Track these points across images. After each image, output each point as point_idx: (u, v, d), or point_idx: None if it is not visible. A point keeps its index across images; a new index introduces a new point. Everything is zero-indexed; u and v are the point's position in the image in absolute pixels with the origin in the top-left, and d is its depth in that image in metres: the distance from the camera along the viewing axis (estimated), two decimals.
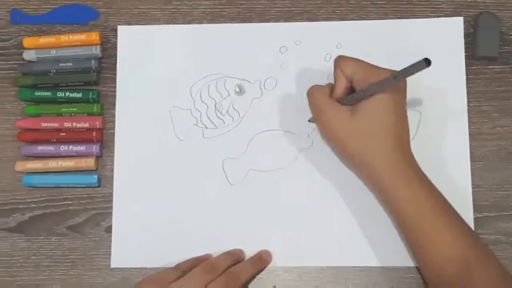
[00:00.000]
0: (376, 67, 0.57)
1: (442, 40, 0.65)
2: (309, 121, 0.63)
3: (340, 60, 0.58)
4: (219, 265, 0.59)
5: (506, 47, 0.65)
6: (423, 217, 0.55)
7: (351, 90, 0.58)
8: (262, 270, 0.62)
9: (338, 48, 0.65)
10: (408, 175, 0.56)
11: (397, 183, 0.56)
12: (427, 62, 0.50)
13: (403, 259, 0.62)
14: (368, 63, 0.58)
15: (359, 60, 0.58)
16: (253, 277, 0.62)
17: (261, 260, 0.62)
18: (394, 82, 0.54)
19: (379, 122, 0.56)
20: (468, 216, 0.62)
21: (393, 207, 0.57)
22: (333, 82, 0.59)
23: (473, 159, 0.63)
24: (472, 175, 0.63)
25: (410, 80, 0.64)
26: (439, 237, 0.55)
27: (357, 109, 0.56)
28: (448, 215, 0.56)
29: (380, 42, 0.65)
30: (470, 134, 0.64)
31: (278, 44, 0.66)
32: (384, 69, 0.57)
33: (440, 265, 0.55)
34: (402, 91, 0.57)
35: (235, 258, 0.61)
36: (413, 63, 0.51)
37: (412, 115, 0.63)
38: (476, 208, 0.63)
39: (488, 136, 0.64)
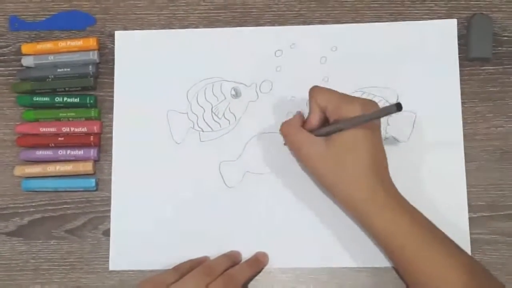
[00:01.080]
0: (349, 98, 0.58)
1: (436, 42, 0.65)
2: (284, 144, 0.63)
3: (314, 91, 0.59)
4: (217, 267, 0.59)
5: (499, 48, 0.66)
6: (403, 244, 0.55)
7: (325, 120, 0.59)
8: (259, 271, 0.63)
9: (334, 51, 0.66)
10: (391, 206, 0.56)
11: (379, 215, 0.56)
12: (398, 107, 0.51)
13: None
14: (342, 94, 0.58)
15: (333, 91, 0.59)
16: (251, 278, 0.62)
17: (258, 262, 0.62)
18: (366, 120, 0.55)
19: (354, 152, 0.56)
20: (463, 216, 0.62)
21: (373, 233, 0.58)
22: (307, 108, 0.60)
23: (467, 159, 0.64)
24: (467, 175, 0.63)
25: (405, 81, 0.65)
26: (423, 263, 0.55)
27: (332, 140, 0.56)
28: (434, 239, 0.56)
29: (375, 45, 0.66)
30: (465, 135, 0.64)
31: (274, 47, 0.66)
32: (358, 99, 0.57)
33: None
34: (376, 125, 0.58)
35: (232, 260, 0.61)
36: (385, 106, 0.53)
37: (406, 116, 0.64)
38: (471, 208, 0.63)
39: (483, 137, 0.64)
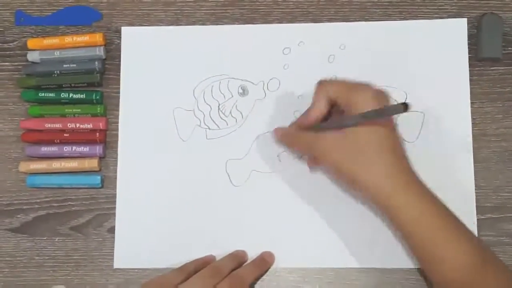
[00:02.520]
0: (360, 85, 0.56)
1: (445, 41, 0.65)
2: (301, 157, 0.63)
3: (324, 83, 0.58)
4: (223, 268, 0.59)
5: (509, 48, 0.65)
6: (425, 227, 0.55)
7: (325, 115, 0.58)
8: (266, 272, 0.62)
9: (342, 49, 0.65)
10: (414, 190, 0.55)
11: (402, 199, 0.54)
12: (405, 107, 0.50)
13: (405, 261, 0.62)
14: (352, 83, 0.57)
15: (342, 80, 0.58)
16: (257, 279, 0.62)
17: (264, 262, 0.62)
18: (371, 118, 0.54)
19: (370, 135, 0.55)
20: (471, 217, 0.62)
21: (395, 219, 0.56)
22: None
23: (476, 160, 0.63)
24: (475, 176, 0.63)
25: (414, 81, 0.64)
26: (445, 246, 0.54)
27: (347, 133, 0.55)
28: (452, 223, 0.55)
29: (384, 44, 0.65)
30: (473, 136, 0.63)
31: (282, 45, 0.66)
32: (369, 88, 0.56)
33: (448, 273, 0.54)
34: (391, 119, 0.57)
35: (238, 260, 0.61)
36: (393, 104, 0.54)
37: (415, 116, 0.64)
38: (479, 209, 0.62)
39: (492, 138, 0.64)
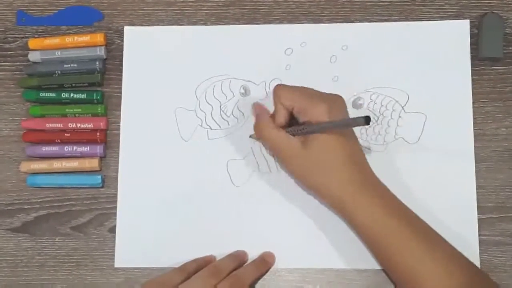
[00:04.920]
0: (314, 98, 0.58)
1: (448, 42, 0.65)
2: (250, 136, 0.64)
3: (278, 90, 0.59)
4: (224, 268, 0.59)
5: (510, 48, 0.65)
6: (390, 239, 0.55)
7: (291, 117, 0.59)
8: (266, 272, 0.62)
9: (344, 50, 0.65)
10: (369, 198, 0.56)
11: (358, 207, 0.56)
12: (366, 121, 0.51)
13: None
14: (307, 93, 0.58)
15: (297, 89, 0.59)
16: (258, 279, 0.62)
17: (265, 263, 0.62)
18: (334, 127, 0.55)
19: (330, 147, 0.56)
20: (472, 217, 0.62)
21: (360, 233, 0.58)
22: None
23: (476, 160, 0.63)
24: (476, 176, 0.63)
25: (415, 82, 0.64)
26: (408, 259, 0.55)
27: (307, 141, 0.57)
28: (418, 234, 0.56)
29: (386, 44, 0.65)
30: (474, 135, 0.64)
31: (284, 45, 0.66)
32: (323, 99, 0.57)
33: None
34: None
35: (239, 260, 0.61)
36: (355, 117, 0.54)
37: (417, 117, 0.64)
38: (480, 209, 0.62)
39: (492, 137, 0.64)
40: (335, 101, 0.58)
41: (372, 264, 0.62)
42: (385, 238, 0.55)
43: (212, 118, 0.65)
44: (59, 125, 0.65)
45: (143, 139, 0.65)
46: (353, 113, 0.64)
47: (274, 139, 0.58)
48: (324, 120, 0.56)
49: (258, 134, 0.61)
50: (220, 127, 0.65)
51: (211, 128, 0.65)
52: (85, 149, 0.65)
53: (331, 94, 0.59)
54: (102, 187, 0.65)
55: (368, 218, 0.56)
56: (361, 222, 0.56)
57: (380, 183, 0.58)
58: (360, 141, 0.63)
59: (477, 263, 0.61)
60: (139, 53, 0.66)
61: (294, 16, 0.66)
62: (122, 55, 0.66)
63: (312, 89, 0.59)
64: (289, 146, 0.57)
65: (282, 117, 0.59)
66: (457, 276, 0.54)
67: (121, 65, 0.66)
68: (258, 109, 0.63)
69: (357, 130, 0.64)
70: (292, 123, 0.59)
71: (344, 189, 0.56)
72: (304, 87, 0.59)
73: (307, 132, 0.57)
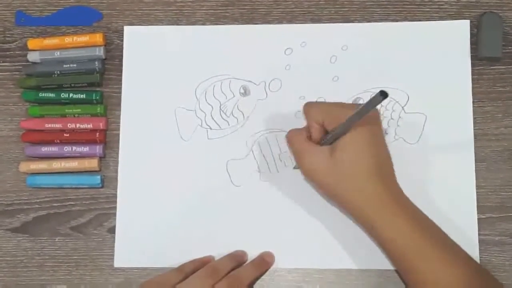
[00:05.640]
0: (341, 104, 0.59)
1: (448, 43, 0.65)
2: (294, 168, 0.63)
3: (308, 108, 0.59)
4: (222, 268, 0.59)
5: (509, 47, 0.65)
6: (411, 253, 0.55)
7: (325, 132, 0.58)
8: (265, 272, 0.62)
9: (344, 50, 0.65)
10: (393, 211, 0.55)
11: (382, 221, 0.55)
12: (382, 95, 0.49)
13: None
14: (334, 103, 0.59)
15: (325, 103, 0.60)
16: (256, 279, 0.62)
17: (264, 263, 0.62)
18: (359, 117, 0.53)
19: (357, 158, 0.55)
20: (472, 217, 0.62)
21: (381, 244, 0.57)
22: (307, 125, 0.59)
23: (476, 160, 0.63)
24: (475, 176, 0.63)
25: (416, 82, 0.64)
26: (432, 273, 0.54)
27: (335, 148, 0.56)
28: (443, 247, 0.55)
29: (386, 44, 0.65)
30: (474, 135, 0.64)
31: (284, 45, 0.66)
32: (350, 104, 0.60)
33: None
34: (375, 122, 0.57)
35: (237, 260, 0.61)
36: (370, 98, 0.50)
37: (417, 117, 0.64)
38: (480, 209, 0.62)
39: (492, 137, 0.64)
40: (360, 104, 0.56)
41: (372, 264, 0.62)
42: (409, 252, 0.55)
43: (212, 118, 0.65)
44: (59, 125, 0.65)
45: (142, 139, 0.65)
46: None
47: (302, 148, 0.58)
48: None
49: (289, 141, 0.60)
50: (220, 127, 0.65)
51: (211, 128, 0.65)
52: (84, 149, 0.64)
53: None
54: (102, 187, 0.65)
55: (392, 233, 0.55)
56: (385, 237, 0.56)
57: (403, 195, 0.57)
58: None
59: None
60: (138, 52, 0.66)
61: (293, 16, 0.66)
62: (121, 55, 0.66)
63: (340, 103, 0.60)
64: (317, 156, 0.57)
65: (316, 132, 0.58)
66: (467, 280, 0.54)
67: (121, 65, 0.66)
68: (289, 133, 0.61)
69: None
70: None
71: (368, 202, 0.55)
72: (332, 102, 0.60)
73: (335, 136, 0.56)
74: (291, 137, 0.60)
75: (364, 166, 0.55)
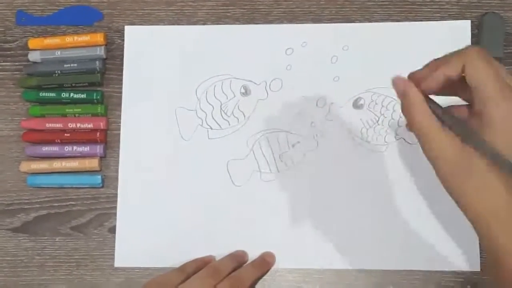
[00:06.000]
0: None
1: (449, 43, 0.64)
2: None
3: (470, 52, 0.44)
4: (223, 268, 0.59)
5: (511, 48, 0.65)
6: None
7: (449, 85, 0.45)
8: (266, 272, 0.62)
9: (345, 50, 0.65)
10: None
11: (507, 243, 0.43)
12: None
13: (406, 262, 0.62)
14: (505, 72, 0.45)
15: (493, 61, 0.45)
16: (258, 279, 0.62)
17: (265, 263, 0.62)
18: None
19: (495, 177, 0.43)
20: None
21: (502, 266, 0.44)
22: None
23: None
24: None
25: None
26: None
27: (471, 156, 0.43)
28: None
29: (387, 45, 0.65)
30: None
31: (284, 45, 0.65)
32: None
33: None
34: None
35: (238, 260, 0.61)
36: None
37: None
38: None
39: None
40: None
41: (372, 264, 0.62)
42: None
43: (213, 118, 0.65)
44: (59, 125, 0.65)
45: (143, 139, 0.65)
46: (353, 113, 0.64)
47: (425, 130, 0.44)
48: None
49: (408, 115, 0.45)
50: (220, 127, 0.65)
51: (211, 128, 0.65)
52: (85, 149, 0.64)
53: None
54: (102, 187, 0.65)
55: None
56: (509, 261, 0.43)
57: None
58: (360, 141, 0.64)
59: (477, 263, 0.61)
60: (139, 52, 0.66)
61: (294, 16, 0.66)
62: (122, 55, 0.66)
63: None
64: (444, 150, 0.44)
65: (435, 81, 0.44)
66: None
67: (121, 65, 0.66)
68: (407, 84, 0.46)
69: (357, 129, 0.64)
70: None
71: (497, 214, 0.43)
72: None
73: (469, 138, 0.43)
74: (409, 109, 0.45)
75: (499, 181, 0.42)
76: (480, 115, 0.43)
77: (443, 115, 0.44)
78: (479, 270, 0.61)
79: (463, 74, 0.44)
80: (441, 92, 0.45)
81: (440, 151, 0.44)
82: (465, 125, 0.44)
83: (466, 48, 0.45)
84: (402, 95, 0.46)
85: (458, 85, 0.45)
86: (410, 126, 0.46)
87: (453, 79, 0.44)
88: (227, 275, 0.58)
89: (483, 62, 0.43)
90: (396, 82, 0.46)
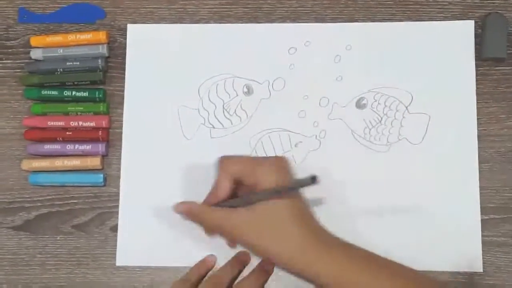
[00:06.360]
0: (260, 160, 0.56)
1: (452, 43, 0.65)
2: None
3: (224, 162, 0.57)
4: (225, 278, 0.58)
5: None
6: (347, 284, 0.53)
7: (233, 191, 0.56)
8: (267, 280, 0.61)
9: (348, 49, 0.65)
10: (327, 258, 0.53)
11: (319, 270, 0.52)
12: (313, 180, 0.50)
13: (407, 263, 0.61)
14: (252, 158, 0.57)
15: (242, 157, 0.57)
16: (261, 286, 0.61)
17: (264, 273, 0.61)
18: (282, 192, 0.53)
19: (279, 221, 0.53)
20: (475, 218, 0.62)
21: (316, 283, 0.53)
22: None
23: (480, 160, 0.63)
24: (479, 176, 0.63)
25: (419, 82, 0.64)
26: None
27: (254, 209, 0.54)
28: (381, 274, 0.54)
29: (390, 44, 0.65)
30: (477, 136, 0.63)
31: (287, 45, 0.65)
32: (268, 160, 0.56)
33: None
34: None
35: (240, 264, 0.60)
36: (302, 178, 0.51)
37: (420, 118, 0.64)
38: (483, 210, 0.62)
39: (496, 138, 0.64)
40: (280, 162, 0.56)
41: None
42: (354, 281, 0.53)
43: (215, 117, 0.65)
44: (61, 123, 0.65)
45: (145, 138, 0.65)
46: (356, 113, 0.64)
47: (216, 217, 0.55)
48: (272, 179, 0.53)
49: (197, 220, 0.57)
50: (223, 126, 0.65)
51: (214, 127, 0.65)
52: (87, 147, 0.64)
53: (275, 156, 0.60)
54: (104, 185, 0.65)
55: (332, 275, 0.52)
56: (325, 282, 0.53)
57: (332, 236, 0.55)
58: (363, 141, 0.64)
59: (479, 264, 0.61)
60: (142, 51, 0.66)
61: (297, 15, 0.66)
62: (124, 53, 0.66)
63: (255, 156, 0.59)
64: (236, 218, 0.54)
65: (226, 188, 0.56)
66: None
67: (123, 63, 0.66)
68: (185, 205, 0.58)
69: (360, 130, 0.64)
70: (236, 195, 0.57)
71: (301, 250, 0.53)
72: (248, 156, 0.59)
73: (254, 201, 0.53)
74: (197, 215, 0.57)
75: (287, 215, 0.53)
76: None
77: (237, 201, 0.55)
78: (481, 271, 0.61)
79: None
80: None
81: (227, 223, 0.55)
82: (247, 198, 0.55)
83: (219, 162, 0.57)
84: (187, 214, 0.57)
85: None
86: (206, 230, 0.59)
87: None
88: (231, 282, 0.58)
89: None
90: (180, 208, 0.57)
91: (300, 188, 0.53)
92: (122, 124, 0.65)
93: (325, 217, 0.62)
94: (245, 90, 0.65)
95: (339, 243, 0.55)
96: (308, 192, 0.63)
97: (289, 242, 0.53)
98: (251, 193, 0.54)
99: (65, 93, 0.65)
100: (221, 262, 0.60)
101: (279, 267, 0.55)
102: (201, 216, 0.57)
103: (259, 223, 0.54)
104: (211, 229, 0.58)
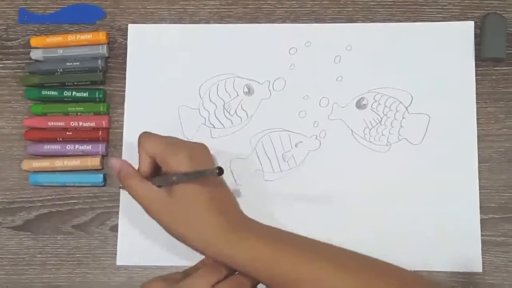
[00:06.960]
0: (175, 147, 0.57)
1: (452, 44, 0.65)
2: (120, 188, 0.63)
3: (142, 139, 0.58)
4: (223, 267, 0.58)
5: None
6: (271, 263, 0.54)
7: (157, 166, 0.58)
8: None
9: (348, 50, 0.65)
10: (243, 238, 0.54)
11: (235, 251, 0.54)
12: (219, 172, 0.51)
13: (407, 263, 0.61)
14: (170, 142, 0.58)
15: (161, 138, 0.58)
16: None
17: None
18: (191, 179, 0.55)
19: (195, 204, 0.55)
20: (475, 218, 0.62)
21: (233, 264, 0.55)
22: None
23: (479, 160, 0.63)
24: (478, 176, 0.63)
25: (419, 83, 0.64)
26: (294, 271, 0.53)
27: (172, 191, 0.55)
28: (301, 247, 0.55)
29: (391, 45, 0.65)
30: (477, 136, 0.64)
31: (288, 45, 0.66)
32: (184, 147, 0.57)
33: None
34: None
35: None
36: (208, 169, 0.54)
37: (420, 118, 0.64)
38: (483, 210, 0.62)
39: (495, 138, 0.64)
40: (197, 149, 0.57)
41: None
42: (270, 264, 0.54)
43: (216, 117, 0.65)
44: (61, 124, 0.65)
45: None
46: (356, 113, 0.64)
47: (138, 189, 0.57)
48: (185, 169, 0.55)
49: (123, 184, 0.59)
50: (223, 126, 0.65)
51: (214, 127, 0.65)
52: (87, 147, 0.64)
53: (194, 142, 0.59)
54: (104, 185, 0.65)
55: (248, 255, 0.54)
56: (242, 263, 0.54)
57: (251, 220, 0.57)
58: (363, 141, 0.64)
59: (479, 263, 0.61)
60: (142, 51, 0.66)
61: (297, 16, 0.66)
62: (124, 54, 0.66)
63: (177, 138, 0.59)
64: (154, 197, 0.56)
65: (145, 166, 0.57)
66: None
67: (123, 63, 0.66)
68: (119, 162, 0.60)
69: (360, 130, 0.64)
70: (159, 173, 0.58)
71: (214, 235, 0.54)
72: (170, 136, 0.59)
73: (171, 183, 0.55)
74: (126, 182, 0.58)
75: (200, 202, 0.55)
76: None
77: (158, 181, 0.57)
78: (481, 271, 0.61)
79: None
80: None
81: (146, 196, 0.57)
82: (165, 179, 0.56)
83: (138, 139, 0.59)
84: (116, 172, 0.59)
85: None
86: (125, 187, 0.59)
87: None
88: (228, 274, 0.58)
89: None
90: (113, 162, 0.60)
91: (206, 176, 0.54)
92: (122, 124, 0.65)
93: (325, 216, 0.63)
94: (246, 90, 0.65)
95: (260, 229, 0.56)
96: (308, 192, 0.63)
97: (201, 227, 0.55)
98: (166, 175, 0.56)
99: (65, 93, 0.65)
100: None
101: (195, 250, 0.56)
102: (126, 179, 0.58)
103: (175, 206, 0.55)
104: (131, 194, 0.58)
